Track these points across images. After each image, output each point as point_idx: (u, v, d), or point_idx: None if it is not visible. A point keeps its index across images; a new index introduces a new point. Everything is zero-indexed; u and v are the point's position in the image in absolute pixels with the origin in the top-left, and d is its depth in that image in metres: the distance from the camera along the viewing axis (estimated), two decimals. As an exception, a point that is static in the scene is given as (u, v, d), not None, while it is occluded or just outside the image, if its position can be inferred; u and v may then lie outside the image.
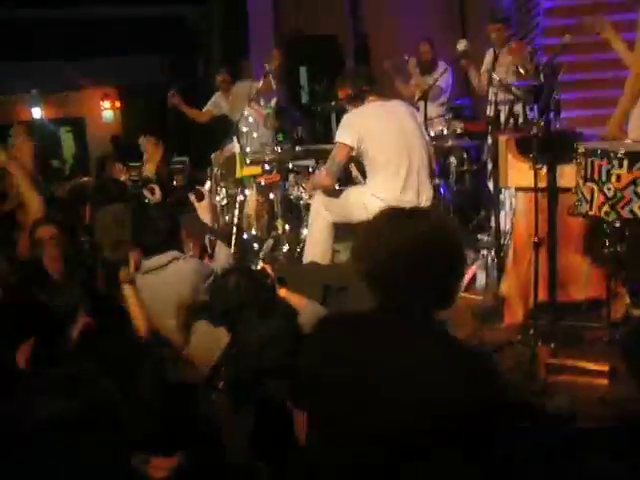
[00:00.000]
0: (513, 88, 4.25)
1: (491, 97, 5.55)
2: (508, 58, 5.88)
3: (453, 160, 5.76)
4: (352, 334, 2.00)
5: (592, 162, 3.40)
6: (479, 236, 5.99)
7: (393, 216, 2.03)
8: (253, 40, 9.68)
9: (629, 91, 4.09)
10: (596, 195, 3.39)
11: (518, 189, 4.10)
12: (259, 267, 4.48)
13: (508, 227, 4.81)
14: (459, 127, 6.06)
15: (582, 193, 3.47)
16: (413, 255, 1.91)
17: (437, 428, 1.82)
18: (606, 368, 3.48)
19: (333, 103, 6.89)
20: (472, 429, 1.84)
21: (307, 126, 7.78)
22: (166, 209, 4.05)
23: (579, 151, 3.52)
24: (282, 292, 3.36)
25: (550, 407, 3.09)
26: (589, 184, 3.42)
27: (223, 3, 10.56)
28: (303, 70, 10.04)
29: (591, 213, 3.44)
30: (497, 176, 4.26)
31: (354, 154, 4.55)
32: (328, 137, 7.34)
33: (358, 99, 4.59)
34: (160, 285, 3.51)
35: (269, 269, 3.58)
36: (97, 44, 10.93)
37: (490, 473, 1.90)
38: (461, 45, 6.27)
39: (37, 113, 12.34)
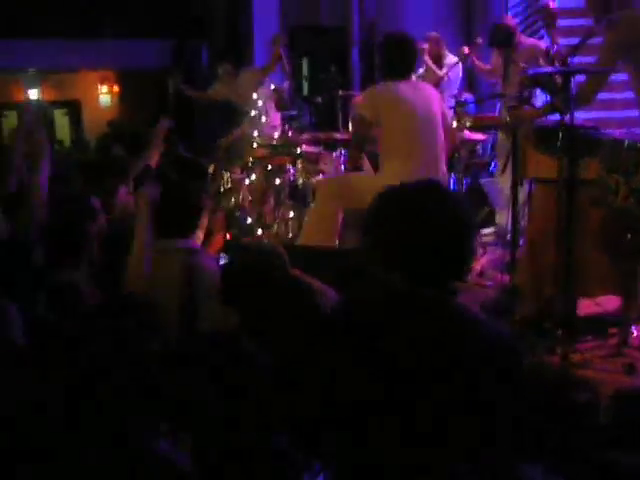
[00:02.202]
0: (540, 76, 4.17)
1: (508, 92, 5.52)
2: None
3: (463, 153, 5.70)
4: (380, 319, 1.94)
5: (618, 153, 3.35)
6: (484, 231, 5.96)
7: (404, 194, 1.96)
8: (258, 29, 9.58)
9: None
10: (622, 187, 3.34)
11: (537, 180, 4.05)
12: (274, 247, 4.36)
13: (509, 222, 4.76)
14: (468, 120, 6.00)
15: (606, 185, 3.42)
16: (434, 231, 1.85)
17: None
18: (621, 364, 3.44)
19: (340, 92, 6.85)
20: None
21: (309, 115, 7.73)
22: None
23: (604, 142, 3.47)
24: (296, 272, 3.26)
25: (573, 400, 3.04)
26: (614, 175, 3.37)
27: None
28: (305, 61, 9.98)
29: (615, 205, 3.39)
30: (515, 168, 4.19)
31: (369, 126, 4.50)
32: (333, 127, 7.28)
33: (385, 73, 4.55)
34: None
35: (282, 249, 3.46)
36: (97, 25, 10.75)
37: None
38: (462, 53, 6.48)
39: (34, 94, 12.17)
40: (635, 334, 3.65)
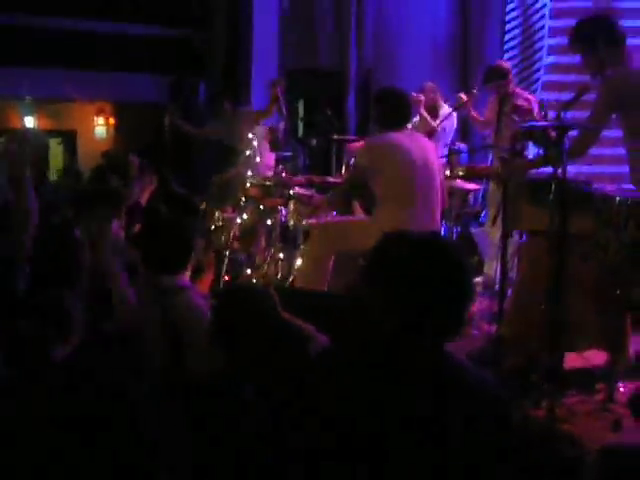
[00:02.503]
0: (533, 130, 4.22)
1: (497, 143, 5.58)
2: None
3: (455, 202, 5.74)
4: (365, 372, 1.93)
5: (610, 209, 3.38)
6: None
7: (409, 239, 1.98)
8: (256, 69, 9.67)
9: None
10: (612, 242, 3.36)
11: (528, 232, 4.07)
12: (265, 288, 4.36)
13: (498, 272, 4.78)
14: (461, 170, 6.05)
15: (597, 239, 3.44)
16: (434, 283, 1.86)
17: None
18: (607, 420, 3.43)
19: (335, 136, 6.88)
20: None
21: (303, 158, 7.77)
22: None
23: (596, 197, 3.50)
24: (287, 315, 3.25)
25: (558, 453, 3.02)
26: (605, 230, 3.40)
27: (226, 29, 10.60)
28: (301, 103, 10.05)
29: (606, 260, 3.41)
30: (506, 219, 4.21)
31: (366, 175, 4.53)
32: (326, 170, 7.32)
33: (381, 124, 4.59)
34: None
35: (273, 291, 3.45)
36: (96, 57, 10.85)
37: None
38: (460, 99, 6.48)
39: (30, 122, 12.18)
40: (621, 390, 3.64)
